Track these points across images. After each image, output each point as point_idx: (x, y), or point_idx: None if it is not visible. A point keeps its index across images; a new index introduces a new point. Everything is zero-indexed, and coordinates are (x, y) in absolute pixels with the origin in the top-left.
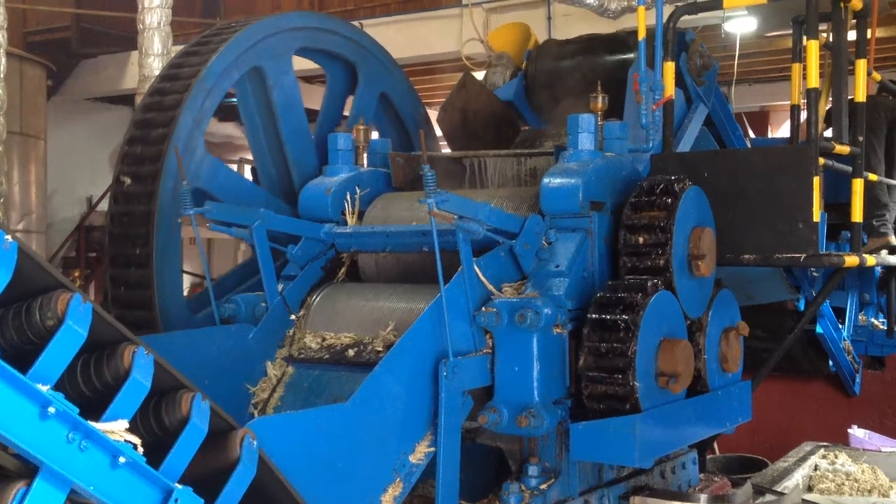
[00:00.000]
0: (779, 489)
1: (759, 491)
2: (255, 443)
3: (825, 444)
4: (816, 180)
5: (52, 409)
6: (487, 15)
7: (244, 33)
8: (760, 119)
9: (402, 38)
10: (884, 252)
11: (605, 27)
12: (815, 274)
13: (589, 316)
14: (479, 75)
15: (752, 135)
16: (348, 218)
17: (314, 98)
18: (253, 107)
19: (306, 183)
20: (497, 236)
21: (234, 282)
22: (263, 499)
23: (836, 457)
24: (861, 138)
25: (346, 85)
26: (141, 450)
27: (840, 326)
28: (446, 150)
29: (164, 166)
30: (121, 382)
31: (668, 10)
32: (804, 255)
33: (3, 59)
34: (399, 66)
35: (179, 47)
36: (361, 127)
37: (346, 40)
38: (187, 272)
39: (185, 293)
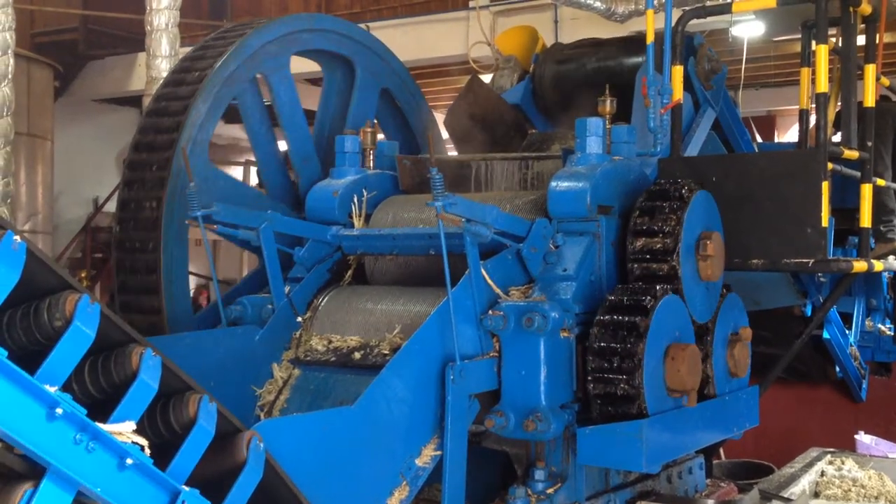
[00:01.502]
0: (785, 495)
1: (766, 497)
2: (261, 445)
3: (832, 449)
4: (825, 185)
5: (59, 410)
6: (494, 18)
7: (327, 21)
8: (767, 123)
9: (408, 40)
10: (891, 257)
11: (613, 31)
12: (822, 279)
13: (596, 320)
14: (487, 78)
15: (758, 139)
16: (355, 220)
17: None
18: (280, 103)
19: (309, 186)
20: (504, 240)
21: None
22: (269, 501)
23: (842, 463)
24: (870, 143)
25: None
26: (148, 451)
27: (847, 332)
28: (453, 153)
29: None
30: (128, 384)
31: (676, 14)
32: (812, 261)
33: (11, 60)
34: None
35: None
36: (369, 129)
37: (411, 97)
38: (193, 273)
39: (191, 294)
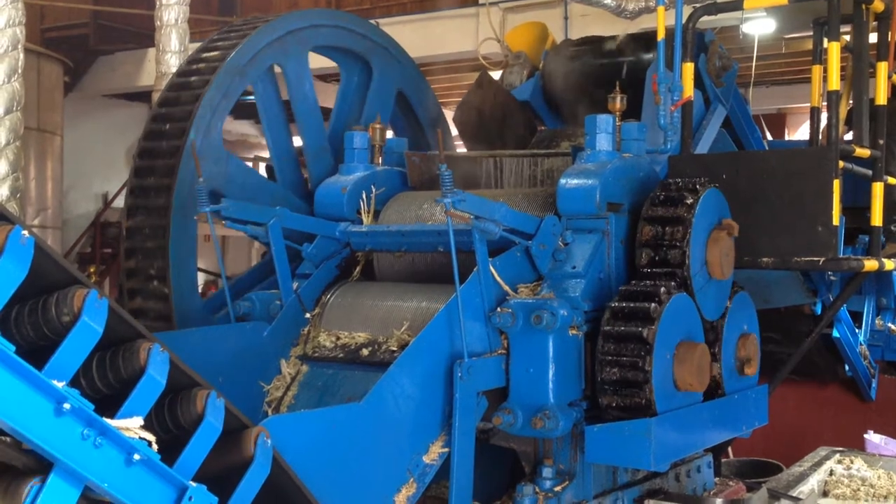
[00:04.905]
0: (794, 494)
1: (775, 495)
2: (269, 441)
3: (841, 448)
4: (836, 183)
5: (67, 406)
6: (504, 14)
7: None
8: (777, 121)
9: (418, 36)
10: None
11: (623, 28)
12: (832, 278)
13: (605, 318)
14: (496, 75)
15: (769, 137)
16: (363, 217)
17: (329, 96)
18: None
19: (320, 180)
20: (513, 237)
21: (251, 283)
22: (277, 497)
23: (851, 462)
24: (881, 141)
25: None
26: (156, 447)
27: (857, 331)
28: (462, 150)
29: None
30: (136, 379)
31: (687, 11)
32: (823, 259)
33: (21, 55)
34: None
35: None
36: (378, 126)
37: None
38: (202, 269)
39: (200, 290)
